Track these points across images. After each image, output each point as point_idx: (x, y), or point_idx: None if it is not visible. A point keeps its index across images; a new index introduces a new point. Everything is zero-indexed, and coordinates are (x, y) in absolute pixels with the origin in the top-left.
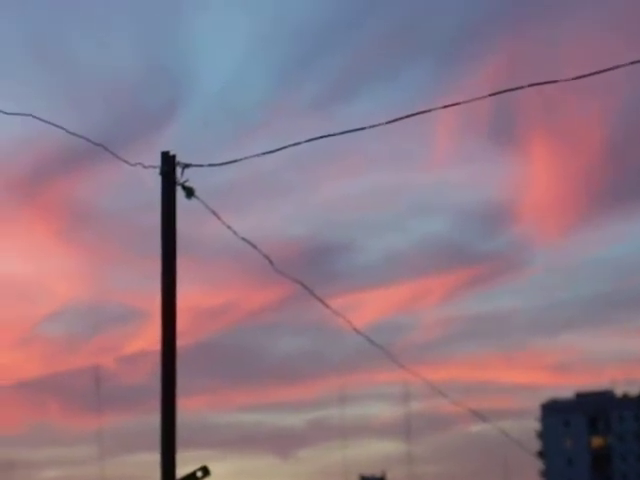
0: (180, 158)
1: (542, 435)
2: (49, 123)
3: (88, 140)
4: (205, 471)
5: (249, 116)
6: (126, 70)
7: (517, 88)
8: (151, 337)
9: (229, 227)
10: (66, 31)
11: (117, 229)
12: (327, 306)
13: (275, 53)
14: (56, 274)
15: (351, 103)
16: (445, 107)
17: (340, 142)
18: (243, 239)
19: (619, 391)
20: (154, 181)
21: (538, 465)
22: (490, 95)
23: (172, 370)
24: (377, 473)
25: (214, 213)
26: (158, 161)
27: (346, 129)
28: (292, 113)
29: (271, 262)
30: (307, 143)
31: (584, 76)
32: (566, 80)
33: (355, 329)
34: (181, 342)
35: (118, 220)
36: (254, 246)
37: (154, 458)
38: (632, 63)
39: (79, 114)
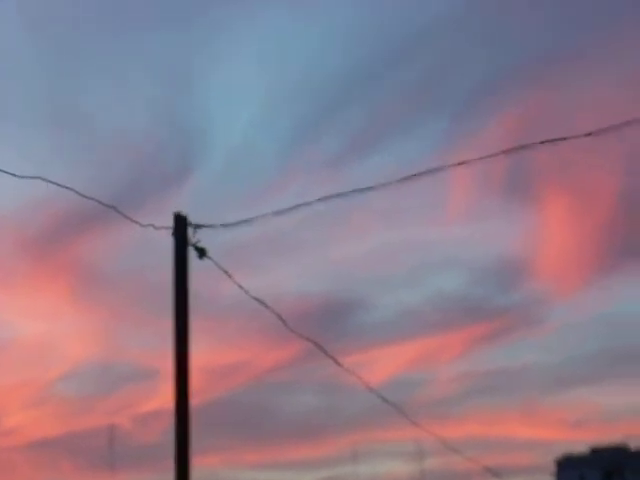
0: (193, 218)
1: None
2: (59, 185)
3: (99, 202)
4: None
5: (263, 175)
6: (139, 130)
7: (530, 145)
8: (165, 396)
9: (241, 287)
10: (79, 91)
11: (130, 289)
12: (339, 364)
13: (290, 110)
14: (69, 334)
15: (366, 159)
16: (458, 164)
17: (353, 200)
18: (255, 299)
19: (633, 445)
20: (167, 241)
21: None
22: (503, 152)
23: (186, 429)
24: None
25: (226, 273)
26: (171, 221)
27: (359, 186)
28: (306, 171)
29: (283, 321)
30: (320, 201)
31: (597, 132)
32: (578, 137)
33: (368, 387)
34: (194, 401)
35: (131, 280)
36: (266, 305)
37: None
38: None
39: (92, 174)
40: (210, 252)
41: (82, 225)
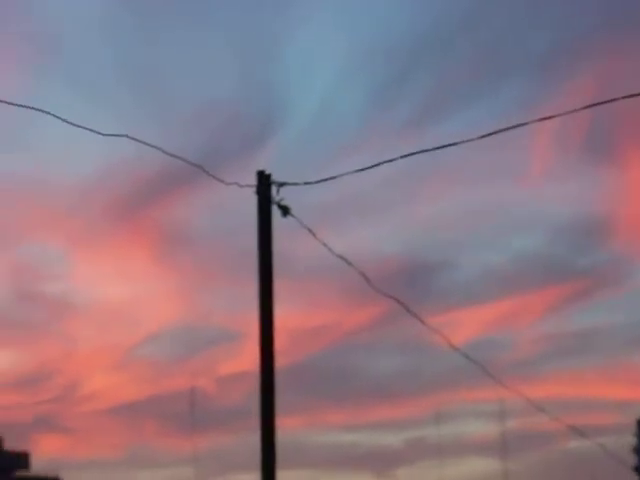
0: (275, 177)
1: (638, 450)
2: (145, 143)
3: (185, 161)
4: None
5: (343, 136)
6: (222, 91)
7: (611, 100)
8: (248, 358)
9: (325, 244)
10: (164, 55)
11: (212, 250)
12: (424, 323)
13: (369, 72)
14: (152, 297)
15: (444, 122)
16: (540, 120)
17: (434, 160)
18: (339, 256)
19: None
20: (250, 203)
21: None
22: (584, 108)
23: (271, 391)
24: None
25: (310, 231)
26: (253, 181)
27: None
28: (385, 133)
29: (367, 279)
30: (401, 161)
31: None
32: None
33: (452, 346)
34: (277, 362)
35: (213, 241)
36: (350, 263)
37: (251, 478)
38: None
39: (173, 136)
40: (292, 212)
41: (165, 186)
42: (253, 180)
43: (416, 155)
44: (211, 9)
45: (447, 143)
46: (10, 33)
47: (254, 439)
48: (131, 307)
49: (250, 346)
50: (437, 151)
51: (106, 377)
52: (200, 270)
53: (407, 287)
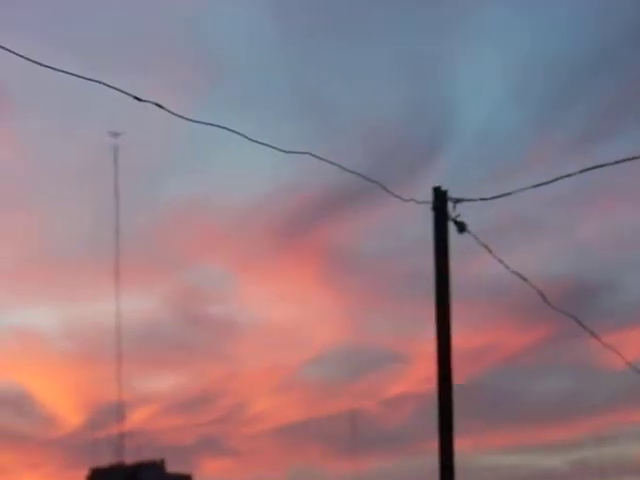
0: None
1: None
2: (327, 161)
3: (364, 177)
4: None
5: (509, 154)
6: (387, 109)
7: None
8: (412, 380)
9: (501, 261)
10: (328, 75)
11: (378, 271)
12: (601, 341)
13: (537, 87)
14: (317, 318)
15: (612, 141)
16: None
17: (599, 180)
18: (515, 273)
19: None
20: (415, 220)
21: None
22: None
23: (449, 414)
24: None
25: (486, 247)
26: (422, 197)
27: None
28: (553, 151)
29: (544, 297)
30: (569, 180)
31: None
32: None
33: (628, 363)
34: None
35: (379, 262)
36: (526, 280)
37: None
38: None
39: (342, 156)
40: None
41: (332, 206)
42: (422, 197)
43: (584, 174)
44: (378, 31)
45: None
46: (185, 55)
47: (418, 461)
48: (296, 329)
49: (415, 368)
50: (606, 170)
51: (270, 399)
52: (365, 291)
53: (573, 307)
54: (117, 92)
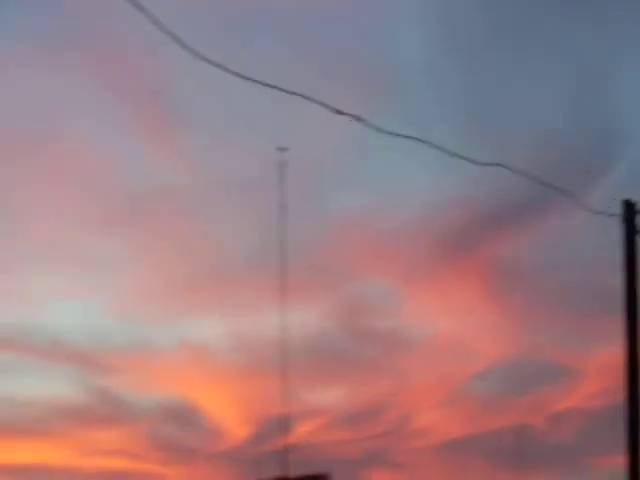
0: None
1: None
2: (519, 173)
3: (555, 188)
4: None
5: None
6: (555, 117)
7: None
8: (580, 395)
9: None
10: (496, 84)
11: (546, 284)
12: None
13: None
14: (483, 333)
15: None
16: None
17: None
18: None
19: None
20: (588, 232)
21: None
22: None
23: (637, 429)
24: None
25: None
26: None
27: None
28: None
29: None
30: None
31: None
32: None
33: None
34: (601, 400)
35: (547, 274)
36: None
37: None
38: None
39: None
40: None
41: (500, 219)
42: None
43: None
44: (545, 38)
45: None
46: (361, 66)
47: (586, 479)
48: (462, 343)
49: (584, 383)
50: None
51: (436, 413)
52: (532, 305)
53: None
54: (284, 105)
